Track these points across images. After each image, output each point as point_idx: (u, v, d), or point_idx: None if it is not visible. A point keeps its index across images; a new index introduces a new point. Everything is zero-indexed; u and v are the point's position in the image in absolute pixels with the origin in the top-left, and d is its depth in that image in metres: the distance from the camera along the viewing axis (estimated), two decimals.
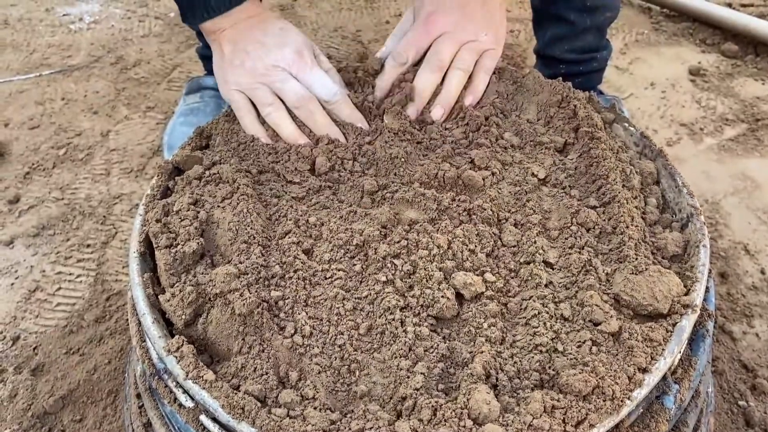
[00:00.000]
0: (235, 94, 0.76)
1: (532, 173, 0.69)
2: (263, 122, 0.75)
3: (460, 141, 0.74)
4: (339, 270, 0.60)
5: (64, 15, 1.85)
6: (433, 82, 0.76)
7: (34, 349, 0.97)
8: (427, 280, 0.58)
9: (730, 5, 1.74)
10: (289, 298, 0.57)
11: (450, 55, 0.77)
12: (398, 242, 0.61)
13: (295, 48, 0.76)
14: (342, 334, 0.55)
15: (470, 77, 0.77)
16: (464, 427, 0.47)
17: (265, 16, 0.80)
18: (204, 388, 0.51)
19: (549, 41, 1.23)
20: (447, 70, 0.77)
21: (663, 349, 0.52)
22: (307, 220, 0.64)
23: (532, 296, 0.57)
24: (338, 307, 0.56)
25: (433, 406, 0.49)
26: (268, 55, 0.76)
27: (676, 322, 0.54)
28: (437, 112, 0.76)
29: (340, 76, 0.79)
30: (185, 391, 0.53)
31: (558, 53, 1.22)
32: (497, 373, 0.52)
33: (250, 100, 0.76)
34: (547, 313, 0.56)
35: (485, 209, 0.64)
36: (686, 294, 0.57)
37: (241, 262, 0.59)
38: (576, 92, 0.77)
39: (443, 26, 0.78)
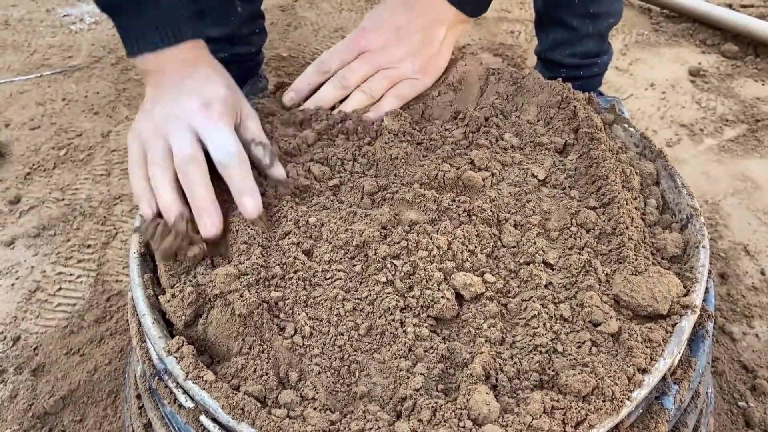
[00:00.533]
0: (133, 144, 0.67)
1: (532, 174, 0.69)
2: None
3: (460, 142, 0.74)
4: (339, 271, 0.60)
5: (64, 15, 1.85)
6: (333, 97, 0.76)
7: (34, 349, 0.97)
8: (426, 281, 0.58)
9: (730, 6, 1.75)
10: (289, 298, 0.57)
11: (361, 75, 0.75)
12: (398, 243, 0.61)
13: (207, 98, 0.67)
14: (342, 334, 0.55)
15: (380, 99, 0.76)
16: (464, 427, 0.47)
17: (198, 60, 0.71)
18: (204, 389, 0.51)
19: (550, 45, 1.23)
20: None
21: (662, 350, 0.52)
22: (308, 221, 0.64)
23: (531, 297, 0.57)
24: (338, 308, 0.56)
25: (432, 406, 0.49)
26: (173, 104, 0.67)
27: (676, 323, 0.54)
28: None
29: (270, 147, 0.69)
30: (185, 392, 0.53)
31: (559, 57, 1.22)
32: (497, 374, 0.52)
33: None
34: (547, 313, 0.56)
35: (485, 210, 0.64)
36: (686, 295, 0.57)
37: (241, 263, 0.59)
38: (576, 93, 0.78)
39: (369, 43, 0.76)
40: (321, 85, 0.78)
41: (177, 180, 0.63)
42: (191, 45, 0.70)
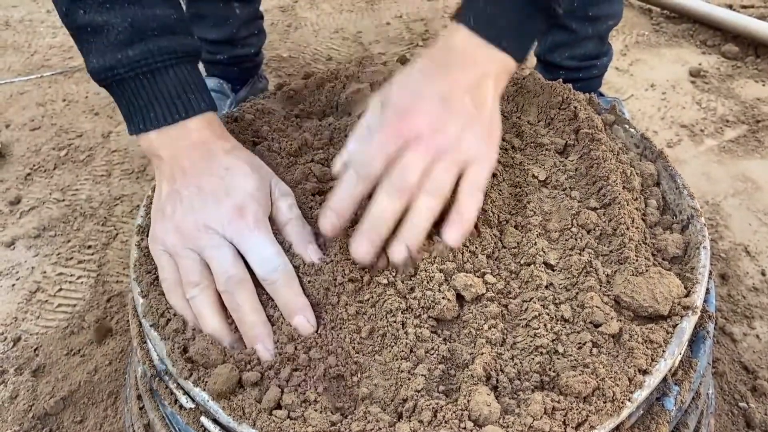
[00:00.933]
0: (162, 258, 0.59)
1: (533, 175, 0.69)
2: None
3: None
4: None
5: None
6: (394, 210, 0.56)
7: (35, 350, 0.97)
8: (427, 282, 0.58)
9: (730, 7, 1.75)
10: None
11: (419, 171, 0.56)
12: None
13: (237, 202, 0.58)
14: (344, 337, 0.55)
15: (455, 200, 0.57)
16: (465, 428, 0.47)
17: (213, 146, 0.61)
18: (204, 389, 0.51)
19: (549, 47, 1.23)
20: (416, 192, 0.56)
21: (663, 351, 0.52)
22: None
23: (532, 298, 0.57)
24: (341, 312, 0.56)
25: (433, 407, 0.49)
26: (201, 210, 0.58)
27: (677, 324, 0.54)
28: (398, 252, 0.56)
29: (308, 230, 0.60)
30: (186, 393, 0.53)
31: (558, 59, 1.22)
32: (497, 375, 0.52)
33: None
34: (548, 314, 0.56)
35: (486, 211, 0.64)
36: (687, 296, 0.57)
37: None
38: (576, 94, 0.78)
39: (416, 127, 0.56)
40: (367, 195, 0.58)
41: (219, 299, 0.56)
42: (204, 121, 0.62)
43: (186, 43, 0.62)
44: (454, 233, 0.57)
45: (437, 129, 0.57)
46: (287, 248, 0.59)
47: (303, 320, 0.55)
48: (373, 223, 0.56)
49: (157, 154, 0.61)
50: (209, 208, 0.58)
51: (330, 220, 0.57)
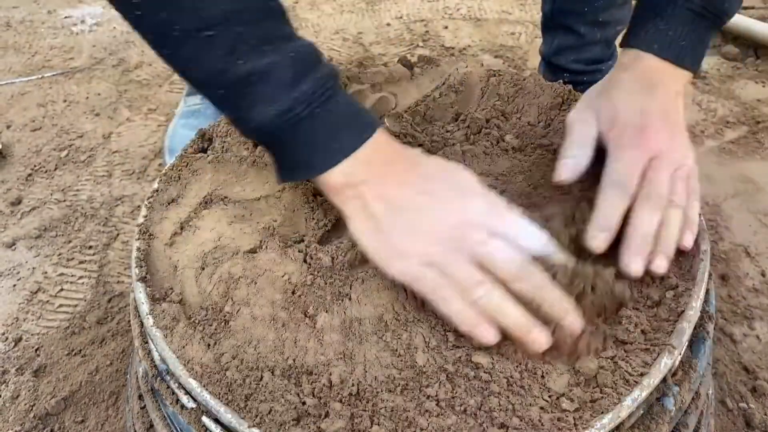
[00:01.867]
0: (423, 272, 0.54)
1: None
2: None
3: (461, 143, 0.74)
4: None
5: (66, 17, 1.86)
6: (657, 225, 0.59)
7: (36, 350, 0.98)
8: None
9: None
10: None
11: (668, 187, 0.60)
12: None
13: (479, 191, 0.57)
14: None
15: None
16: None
17: (408, 155, 0.59)
18: (206, 389, 0.51)
19: (555, 50, 1.22)
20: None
21: (663, 351, 0.52)
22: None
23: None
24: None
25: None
26: (450, 211, 0.55)
27: (677, 324, 0.54)
28: (662, 264, 0.57)
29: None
30: (187, 392, 0.53)
31: (563, 62, 1.22)
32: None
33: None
34: None
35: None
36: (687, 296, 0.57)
37: None
38: (577, 95, 0.78)
39: (658, 145, 0.62)
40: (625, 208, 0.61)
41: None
42: (385, 134, 0.58)
43: (333, 65, 0.58)
44: (689, 240, 0.60)
45: (672, 145, 0.62)
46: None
47: (573, 317, 0.53)
48: (644, 239, 0.58)
49: (355, 181, 0.56)
50: (457, 206, 0.55)
51: (604, 236, 0.58)
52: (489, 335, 0.52)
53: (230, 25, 0.51)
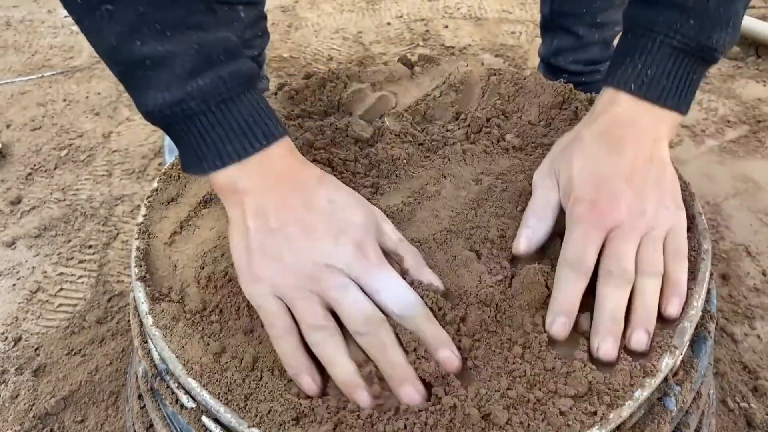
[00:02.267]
0: (270, 302, 0.53)
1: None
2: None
3: (461, 142, 0.74)
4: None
5: (66, 16, 1.86)
6: (625, 300, 0.54)
7: (35, 349, 0.98)
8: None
9: None
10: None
11: (632, 257, 0.55)
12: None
13: (355, 238, 0.54)
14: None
15: (666, 273, 0.56)
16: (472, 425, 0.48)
17: (303, 175, 0.57)
18: (206, 389, 0.51)
19: (554, 51, 1.22)
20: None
21: (665, 351, 0.52)
22: None
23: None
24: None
25: None
26: (317, 249, 0.53)
27: (678, 324, 0.54)
28: (641, 340, 0.53)
29: (419, 255, 0.58)
30: (187, 392, 0.53)
31: (562, 63, 1.22)
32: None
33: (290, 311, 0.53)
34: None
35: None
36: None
37: None
38: (578, 94, 0.78)
39: (616, 218, 0.56)
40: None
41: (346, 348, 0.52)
42: (286, 147, 0.57)
43: (251, 66, 0.56)
44: (674, 306, 0.55)
45: (635, 213, 0.56)
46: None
47: (450, 354, 0.51)
48: (613, 320, 0.53)
49: (240, 189, 0.55)
50: (327, 246, 0.53)
51: (562, 322, 0.53)
52: (311, 387, 0.51)
53: (134, 3, 0.50)
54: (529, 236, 0.59)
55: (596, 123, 0.61)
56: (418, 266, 0.57)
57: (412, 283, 0.55)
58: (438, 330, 0.52)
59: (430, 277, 0.56)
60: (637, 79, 0.59)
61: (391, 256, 0.57)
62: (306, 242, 0.54)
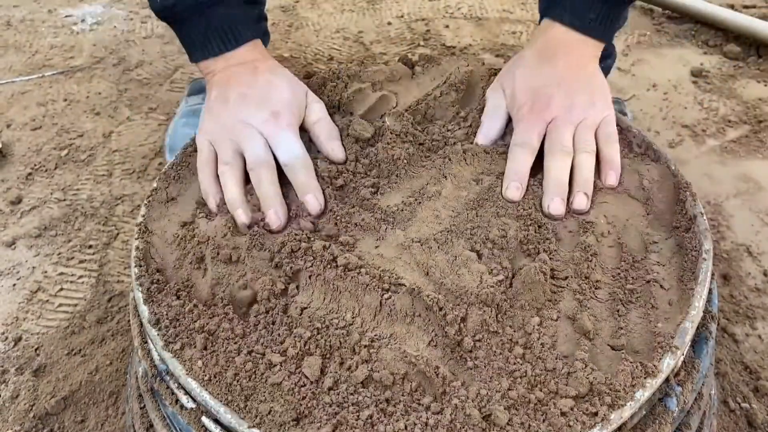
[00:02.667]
0: (203, 143, 0.73)
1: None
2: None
3: (462, 142, 0.74)
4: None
5: (66, 16, 1.85)
6: (567, 168, 0.68)
7: (35, 349, 0.97)
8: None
9: (732, 7, 1.74)
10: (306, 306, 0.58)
11: (569, 138, 0.70)
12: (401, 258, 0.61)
13: (274, 108, 0.72)
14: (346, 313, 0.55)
15: (601, 153, 0.71)
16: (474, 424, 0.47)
17: (258, 64, 0.78)
18: (205, 389, 0.51)
19: None
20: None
21: (666, 351, 0.52)
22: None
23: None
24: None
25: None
26: (242, 111, 0.73)
27: (679, 324, 0.54)
28: (582, 201, 0.66)
29: (335, 129, 0.74)
30: (187, 392, 0.53)
31: None
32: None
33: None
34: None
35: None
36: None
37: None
38: None
39: (553, 112, 0.71)
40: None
41: (244, 180, 0.69)
42: (251, 46, 0.79)
43: None
44: (611, 178, 0.69)
45: (568, 107, 0.71)
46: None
47: (313, 198, 0.66)
48: (557, 183, 0.67)
49: (212, 71, 0.78)
50: (251, 110, 0.72)
51: (515, 186, 0.67)
52: (212, 203, 0.68)
53: None
54: (485, 133, 0.74)
55: (534, 45, 0.78)
56: (327, 139, 0.73)
57: (317, 152, 0.73)
58: (309, 179, 0.68)
59: (331, 147, 0.72)
60: (569, 14, 0.75)
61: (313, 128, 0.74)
62: (238, 107, 0.73)
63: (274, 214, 0.65)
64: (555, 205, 0.66)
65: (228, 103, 0.73)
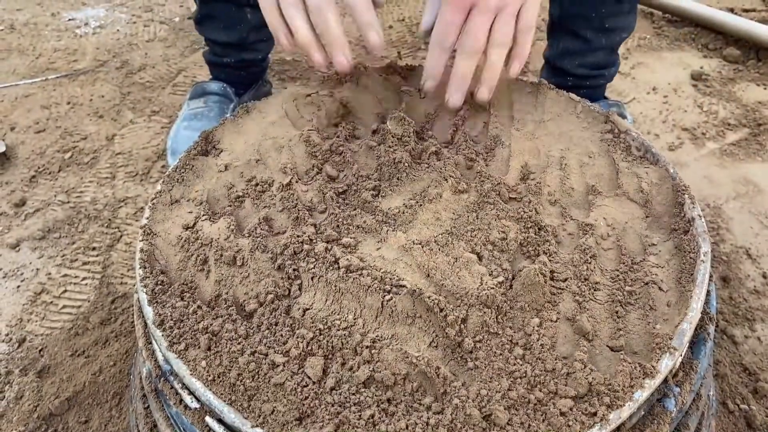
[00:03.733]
0: None
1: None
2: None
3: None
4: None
5: (69, 20, 1.86)
6: (471, 67, 0.73)
7: (39, 351, 0.98)
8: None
9: (732, 10, 1.75)
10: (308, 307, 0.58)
11: (484, 32, 0.72)
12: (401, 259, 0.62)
13: None
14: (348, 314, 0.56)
15: (515, 41, 0.73)
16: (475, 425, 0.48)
17: None
18: (210, 389, 0.51)
19: (560, 53, 1.23)
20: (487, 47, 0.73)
21: (664, 352, 0.53)
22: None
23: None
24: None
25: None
26: None
27: (678, 325, 0.55)
28: (483, 93, 0.74)
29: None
30: (191, 393, 0.54)
31: (568, 66, 1.22)
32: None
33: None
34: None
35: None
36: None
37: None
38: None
39: None
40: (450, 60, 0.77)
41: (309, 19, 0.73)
42: None
43: None
44: (515, 67, 0.75)
45: None
46: None
47: (375, 36, 0.74)
48: (461, 78, 0.73)
49: None
50: None
51: (430, 83, 0.76)
52: (285, 41, 0.74)
53: None
54: (427, 20, 0.79)
55: None
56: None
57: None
58: (371, 14, 0.73)
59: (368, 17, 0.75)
60: None
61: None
62: None
63: (344, 57, 0.70)
64: (453, 99, 0.74)
65: None
